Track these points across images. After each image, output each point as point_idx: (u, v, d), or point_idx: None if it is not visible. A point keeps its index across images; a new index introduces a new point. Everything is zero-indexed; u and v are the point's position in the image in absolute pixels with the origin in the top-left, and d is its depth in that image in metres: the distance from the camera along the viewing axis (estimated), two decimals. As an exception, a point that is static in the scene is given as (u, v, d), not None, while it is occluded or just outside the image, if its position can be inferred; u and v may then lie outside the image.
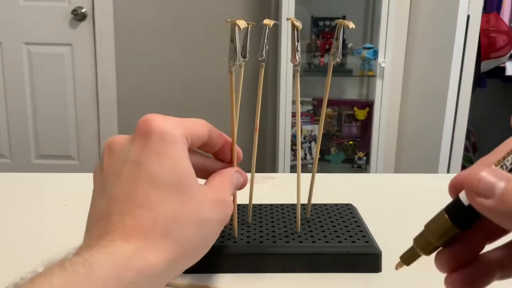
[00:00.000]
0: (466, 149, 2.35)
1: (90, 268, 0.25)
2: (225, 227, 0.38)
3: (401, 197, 0.70)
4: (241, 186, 0.39)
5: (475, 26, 2.04)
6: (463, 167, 2.24)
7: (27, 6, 2.44)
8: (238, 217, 0.51)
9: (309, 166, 2.46)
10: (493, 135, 1.44)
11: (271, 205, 0.57)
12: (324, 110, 0.49)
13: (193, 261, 0.31)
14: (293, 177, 0.72)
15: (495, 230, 0.26)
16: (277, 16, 2.31)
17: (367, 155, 2.43)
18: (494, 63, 2.17)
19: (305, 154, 2.45)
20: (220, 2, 2.46)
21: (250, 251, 0.47)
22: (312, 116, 2.44)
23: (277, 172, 2.30)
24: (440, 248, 0.26)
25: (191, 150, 0.33)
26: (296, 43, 0.43)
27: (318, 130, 2.16)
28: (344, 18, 2.27)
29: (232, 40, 0.40)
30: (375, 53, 2.26)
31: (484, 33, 2.09)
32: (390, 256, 0.55)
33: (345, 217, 0.54)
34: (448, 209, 0.26)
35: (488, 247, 0.27)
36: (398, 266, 0.29)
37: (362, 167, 2.44)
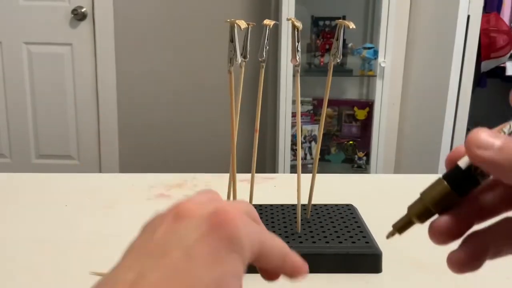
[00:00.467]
0: (466, 149, 2.34)
1: None
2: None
3: (402, 198, 0.69)
4: None
5: (475, 26, 2.04)
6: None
7: (27, 5, 2.44)
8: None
9: (309, 166, 2.46)
10: (493, 135, 1.43)
11: (271, 205, 0.57)
12: (325, 110, 0.49)
13: None
14: (293, 177, 0.72)
15: (487, 207, 0.27)
16: (277, 16, 2.31)
17: (367, 155, 2.43)
18: (494, 63, 2.17)
19: (305, 154, 2.45)
20: (220, 2, 2.46)
21: (250, 251, 0.47)
22: (312, 116, 2.44)
23: (277, 172, 2.30)
24: (435, 216, 0.27)
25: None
26: (297, 44, 0.43)
27: (318, 130, 2.16)
28: (344, 18, 2.27)
29: (232, 40, 0.40)
30: (375, 53, 2.26)
31: (484, 33, 2.09)
32: (390, 257, 0.55)
33: (345, 217, 0.54)
34: (447, 176, 0.26)
35: (477, 227, 0.27)
36: (390, 235, 0.29)
37: (362, 167, 2.44)
